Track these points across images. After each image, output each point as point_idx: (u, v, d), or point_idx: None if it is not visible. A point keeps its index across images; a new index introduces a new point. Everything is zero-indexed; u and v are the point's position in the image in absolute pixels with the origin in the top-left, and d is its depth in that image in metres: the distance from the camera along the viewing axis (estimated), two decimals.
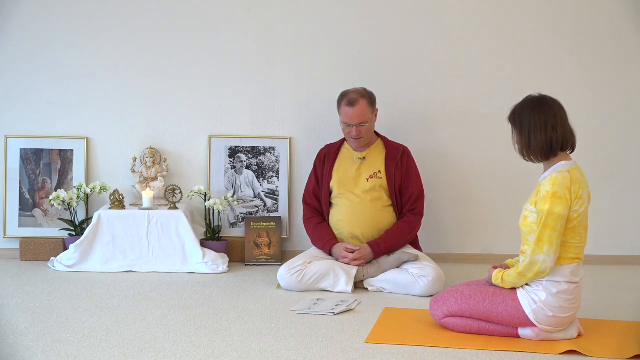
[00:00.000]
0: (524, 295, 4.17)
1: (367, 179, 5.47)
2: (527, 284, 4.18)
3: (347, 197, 5.46)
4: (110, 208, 5.83)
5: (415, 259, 5.27)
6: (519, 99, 6.04)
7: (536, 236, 4.07)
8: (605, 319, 4.62)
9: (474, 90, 6.12)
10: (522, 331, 4.22)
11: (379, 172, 5.49)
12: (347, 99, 5.41)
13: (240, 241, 6.05)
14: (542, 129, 4.12)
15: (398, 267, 5.28)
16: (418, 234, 5.57)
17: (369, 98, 5.45)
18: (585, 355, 3.99)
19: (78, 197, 5.92)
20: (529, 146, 4.15)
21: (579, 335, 4.23)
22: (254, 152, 6.14)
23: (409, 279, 5.17)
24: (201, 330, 4.32)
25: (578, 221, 4.11)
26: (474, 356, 3.98)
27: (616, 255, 6.14)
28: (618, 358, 3.95)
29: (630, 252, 6.15)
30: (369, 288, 5.25)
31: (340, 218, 5.46)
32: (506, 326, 4.23)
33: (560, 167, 4.13)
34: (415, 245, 5.57)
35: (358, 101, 5.38)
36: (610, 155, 6.15)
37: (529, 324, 4.17)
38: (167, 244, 5.75)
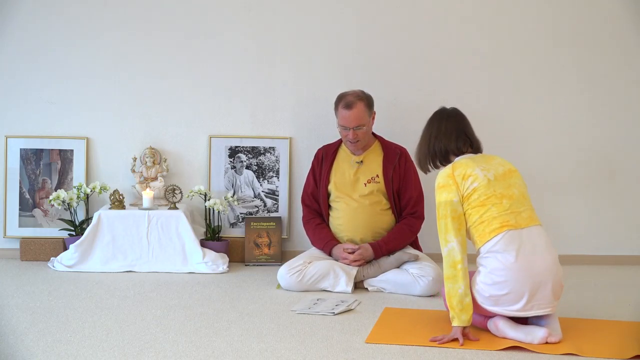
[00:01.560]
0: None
1: (365, 184, 5.46)
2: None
3: (345, 201, 5.46)
4: (110, 208, 5.83)
5: (415, 259, 5.27)
6: (518, 99, 6.12)
7: (438, 231, 4.24)
8: (604, 319, 4.62)
9: (474, 90, 6.13)
10: (488, 323, 4.28)
11: (377, 176, 5.48)
12: (344, 101, 5.39)
13: (240, 241, 6.05)
14: (424, 140, 4.50)
15: (398, 267, 5.28)
16: (418, 234, 5.57)
17: (367, 101, 5.43)
18: (583, 356, 3.98)
19: (78, 197, 5.92)
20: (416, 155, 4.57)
21: (550, 342, 4.09)
22: (254, 152, 6.14)
23: (409, 279, 5.17)
24: (201, 330, 4.32)
25: (480, 194, 4.20)
26: (473, 356, 3.98)
27: (615, 256, 6.14)
28: (618, 358, 3.95)
29: (630, 252, 6.16)
30: (369, 288, 5.25)
31: (340, 222, 5.46)
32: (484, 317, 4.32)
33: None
34: (415, 245, 5.57)
35: (355, 104, 5.37)
36: (609, 155, 6.15)
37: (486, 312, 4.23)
38: (167, 244, 5.75)
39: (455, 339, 4.14)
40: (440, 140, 4.40)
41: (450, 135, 4.40)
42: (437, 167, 4.44)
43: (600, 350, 4.04)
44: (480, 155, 4.40)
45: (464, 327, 4.16)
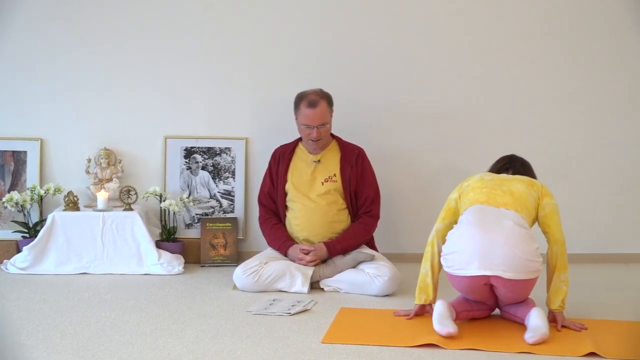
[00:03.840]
0: None
1: (322, 183, 5.47)
2: None
3: (302, 201, 5.46)
4: (64, 210, 5.78)
5: (371, 258, 5.28)
6: (474, 99, 6.15)
7: None
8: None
9: (430, 91, 6.15)
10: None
11: (334, 175, 5.49)
12: (307, 100, 5.40)
13: (196, 242, 6.03)
14: None
15: (354, 267, 5.29)
16: (374, 234, 5.59)
17: (328, 99, 5.45)
18: (539, 354, 4.02)
19: (32, 199, 5.87)
20: None
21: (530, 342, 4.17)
22: (210, 152, 6.13)
23: (365, 278, 5.19)
24: (157, 332, 4.30)
25: (470, 188, 4.59)
26: (428, 355, 4.00)
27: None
28: (573, 356, 3.99)
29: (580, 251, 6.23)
30: (325, 288, 5.26)
31: (296, 222, 5.46)
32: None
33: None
34: (371, 245, 5.59)
35: (318, 102, 5.38)
36: (566, 153, 6.23)
37: None
38: (122, 246, 5.71)
39: (414, 315, 4.55)
40: None
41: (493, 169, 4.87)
42: None
43: (557, 348, 4.08)
44: (486, 174, 4.74)
45: (423, 305, 4.53)
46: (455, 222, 4.51)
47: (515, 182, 4.55)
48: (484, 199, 4.45)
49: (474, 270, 4.24)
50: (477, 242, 4.26)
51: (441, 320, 4.21)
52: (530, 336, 4.14)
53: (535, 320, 4.21)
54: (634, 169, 6.28)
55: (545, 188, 4.59)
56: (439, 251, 4.48)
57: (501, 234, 4.25)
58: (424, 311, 4.54)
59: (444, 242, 4.46)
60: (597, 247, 6.25)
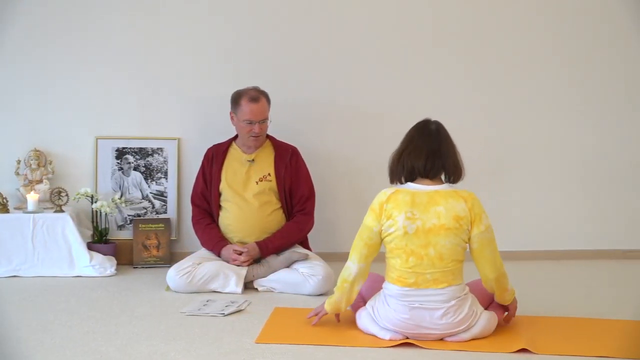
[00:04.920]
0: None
1: (257, 182, 5.47)
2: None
3: (236, 201, 5.45)
4: None
5: (305, 258, 5.30)
6: (407, 98, 6.19)
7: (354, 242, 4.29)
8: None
9: (363, 90, 6.19)
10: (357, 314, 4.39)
11: (269, 174, 5.49)
12: (249, 95, 5.40)
13: (129, 243, 5.99)
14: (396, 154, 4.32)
15: (288, 266, 5.30)
16: (308, 234, 5.61)
17: (266, 96, 5.48)
18: (471, 351, 4.07)
19: None
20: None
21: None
22: (142, 153, 6.09)
23: (299, 278, 5.20)
24: (89, 335, 4.26)
25: (392, 242, 4.17)
26: (363, 354, 4.02)
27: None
28: (502, 352, 4.04)
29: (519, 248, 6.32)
30: (259, 288, 5.26)
31: (230, 222, 5.46)
32: None
33: (393, 186, 4.29)
34: (305, 244, 5.60)
35: (260, 98, 5.41)
36: (499, 154, 6.31)
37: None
38: (53, 248, 5.65)
39: (320, 314, 4.40)
40: (410, 158, 4.23)
41: (421, 155, 4.22)
42: (401, 183, 4.29)
43: (489, 345, 4.13)
44: (427, 193, 4.18)
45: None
46: (375, 255, 4.27)
47: (441, 235, 4.11)
48: (412, 280, 4.12)
49: (402, 337, 4.20)
50: (413, 327, 4.14)
51: (382, 327, 4.21)
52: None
53: (479, 324, 4.22)
54: (635, 168, 6.45)
55: (474, 211, 4.15)
56: (359, 290, 4.30)
57: (429, 321, 4.13)
58: (326, 315, 4.41)
59: (364, 280, 4.29)
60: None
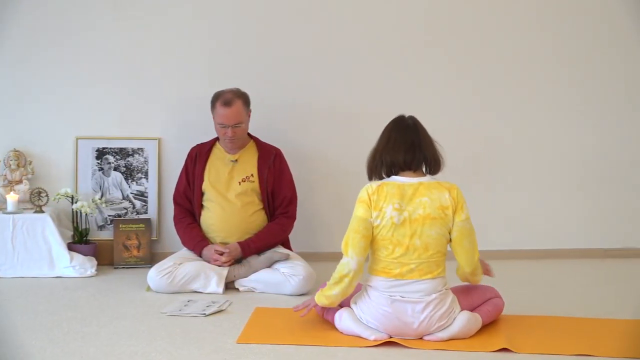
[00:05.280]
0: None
1: (239, 182, 5.47)
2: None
3: (218, 201, 5.45)
4: None
5: (286, 258, 5.30)
6: (387, 98, 6.20)
7: (344, 238, 4.25)
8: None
9: (346, 90, 6.20)
10: (335, 315, 4.38)
11: (252, 175, 5.49)
12: (223, 99, 5.38)
13: (109, 244, 5.98)
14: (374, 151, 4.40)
15: (269, 266, 5.30)
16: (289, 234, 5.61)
17: (244, 98, 5.44)
18: (452, 350, 4.08)
19: None
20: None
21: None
22: (122, 153, 6.08)
23: (280, 278, 5.20)
24: (70, 335, 4.25)
25: (379, 233, 4.20)
26: (345, 353, 4.02)
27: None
28: (483, 351, 4.06)
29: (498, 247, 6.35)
30: (240, 288, 5.26)
31: (212, 222, 5.45)
32: None
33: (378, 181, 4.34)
34: (286, 245, 5.60)
35: (234, 101, 5.37)
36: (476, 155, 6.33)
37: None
38: (33, 248, 5.63)
39: (310, 307, 4.36)
40: (389, 154, 4.29)
41: (400, 149, 4.28)
42: (381, 179, 4.33)
43: (467, 344, 4.14)
44: (413, 185, 4.24)
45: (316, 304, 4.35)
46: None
47: (427, 224, 4.18)
48: (396, 270, 4.17)
49: (386, 336, 4.22)
50: (395, 322, 4.17)
51: (366, 327, 4.22)
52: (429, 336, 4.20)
53: (457, 324, 4.24)
54: (634, 168, 6.50)
55: (459, 196, 4.27)
56: (356, 285, 4.30)
57: (410, 314, 4.16)
58: (314, 307, 4.38)
59: (362, 274, 4.28)
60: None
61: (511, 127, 6.36)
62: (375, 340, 4.15)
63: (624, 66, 6.40)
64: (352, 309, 4.30)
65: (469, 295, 4.39)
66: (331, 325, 4.37)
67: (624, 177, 6.47)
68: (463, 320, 4.21)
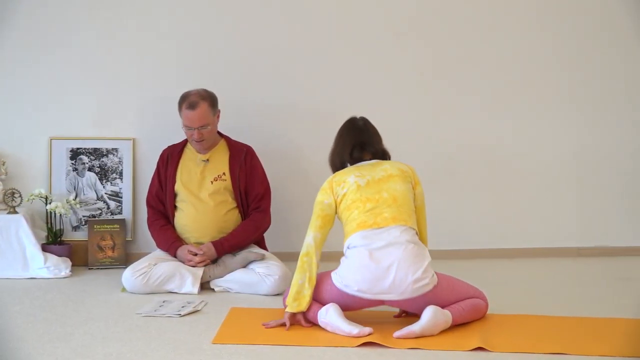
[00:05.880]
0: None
1: (212, 182, 5.46)
2: None
3: (191, 202, 5.44)
4: None
5: (262, 258, 5.30)
6: (359, 97, 6.20)
7: None
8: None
9: (318, 89, 6.21)
10: (319, 312, 4.42)
11: (223, 174, 5.49)
12: (188, 101, 5.37)
13: (84, 244, 5.95)
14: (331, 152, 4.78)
15: (244, 266, 5.30)
16: (264, 233, 5.61)
17: (210, 100, 5.42)
18: (427, 349, 4.09)
19: None
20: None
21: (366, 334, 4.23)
22: (97, 153, 6.05)
23: (256, 278, 5.20)
24: (44, 337, 4.23)
25: (349, 198, 4.47)
26: (320, 352, 4.02)
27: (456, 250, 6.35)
28: (460, 350, 4.07)
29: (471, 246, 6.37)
30: (216, 289, 5.25)
31: (185, 223, 5.44)
32: None
33: None
34: (261, 244, 5.60)
35: (198, 104, 5.35)
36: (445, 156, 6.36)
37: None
38: (6, 249, 5.61)
39: (283, 324, 4.40)
40: (339, 153, 4.68)
41: (347, 149, 4.65)
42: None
43: (442, 343, 4.15)
44: (370, 162, 4.60)
45: (295, 314, 4.40)
46: (331, 227, 4.53)
47: (392, 181, 4.49)
48: (371, 221, 4.39)
49: (369, 295, 4.31)
50: (369, 274, 4.28)
51: (349, 322, 4.26)
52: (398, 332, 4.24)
53: (423, 318, 4.29)
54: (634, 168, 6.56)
55: (415, 173, 4.62)
56: (318, 263, 4.45)
57: (390, 259, 4.28)
58: (295, 320, 4.42)
59: (320, 251, 4.48)
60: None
61: (484, 128, 6.40)
62: (358, 335, 4.17)
63: (603, 67, 6.50)
64: (336, 305, 4.34)
65: (450, 290, 4.43)
66: (305, 325, 4.38)
67: (597, 176, 6.50)
68: (429, 314, 4.26)
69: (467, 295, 4.49)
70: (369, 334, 4.20)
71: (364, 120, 4.75)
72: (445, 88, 6.33)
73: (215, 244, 5.35)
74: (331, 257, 4.82)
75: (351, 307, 4.40)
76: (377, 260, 4.29)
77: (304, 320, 4.41)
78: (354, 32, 6.22)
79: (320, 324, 4.36)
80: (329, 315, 4.31)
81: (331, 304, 4.35)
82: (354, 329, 4.21)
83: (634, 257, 6.43)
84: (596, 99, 6.47)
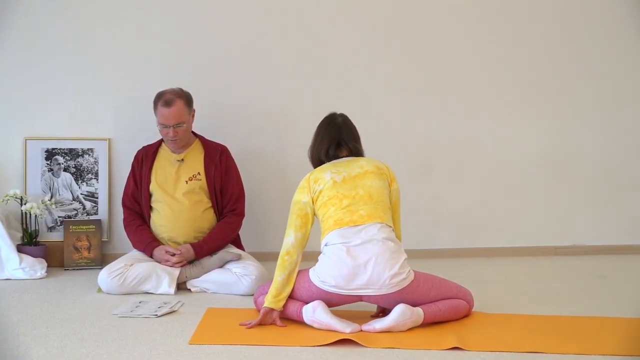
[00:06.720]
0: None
1: (187, 181, 5.45)
2: None
3: (166, 202, 5.42)
4: None
5: (238, 258, 5.30)
6: (337, 97, 6.21)
7: None
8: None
9: (293, 91, 6.20)
10: (304, 308, 4.44)
11: (198, 174, 5.48)
12: (163, 99, 5.36)
13: (59, 245, 5.92)
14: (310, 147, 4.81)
15: (221, 266, 5.29)
16: (240, 233, 5.60)
17: (186, 98, 5.41)
18: (403, 349, 4.09)
19: None
20: None
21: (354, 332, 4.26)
22: (72, 154, 6.02)
23: (232, 278, 5.19)
24: (19, 338, 4.20)
25: (325, 195, 4.51)
26: (297, 352, 4.02)
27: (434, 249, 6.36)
28: (436, 349, 4.07)
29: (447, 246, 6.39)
30: (192, 289, 5.24)
31: (161, 223, 5.43)
32: None
33: None
34: (238, 244, 5.59)
35: (174, 101, 5.34)
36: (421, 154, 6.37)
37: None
38: None
39: (260, 324, 4.41)
40: (317, 149, 4.72)
41: (324, 146, 4.69)
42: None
43: (417, 342, 4.16)
44: (346, 159, 4.64)
45: (271, 310, 4.43)
46: (311, 225, 4.56)
47: (368, 177, 4.53)
48: (348, 218, 4.43)
49: (346, 291, 4.35)
50: (346, 270, 4.33)
51: (340, 320, 4.29)
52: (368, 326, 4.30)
53: (392, 314, 4.31)
54: (635, 168, 6.60)
55: (390, 170, 4.66)
56: (298, 261, 4.49)
57: (367, 256, 4.33)
58: (270, 318, 4.43)
59: (302, 250, 4.52)
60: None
61: (460, 128, 6.42)
62: (351, 332, 4.20)
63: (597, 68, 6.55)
64: (322, 302, 4.36)
65: (429, 287, 4.46)
66: (280, 324, 4.38)
67: (574, 176, 6.54)
68: (398, 311, 4.31)
69: (449, 295, 4.51)
70: (360, 331, 4.26)
71: (343, 117, 4.77)
72: (422, 88, 6.34)
73: (194, 246, 5.33)
74: (310, 256, 4.84)
75: (329, 304, 4.41)
76: (355, 256, 4.33)
77: (279, 320, 4.42)
78: (332, 32, 6.22)
79: (306, 321, 4.36)
80: (318, 314, 4.32)
81: (317, 301, 4.37)
82: (346, 327, 4.24)
83: (610, 255, 6.47)
84: (572, 99, 6.50)
